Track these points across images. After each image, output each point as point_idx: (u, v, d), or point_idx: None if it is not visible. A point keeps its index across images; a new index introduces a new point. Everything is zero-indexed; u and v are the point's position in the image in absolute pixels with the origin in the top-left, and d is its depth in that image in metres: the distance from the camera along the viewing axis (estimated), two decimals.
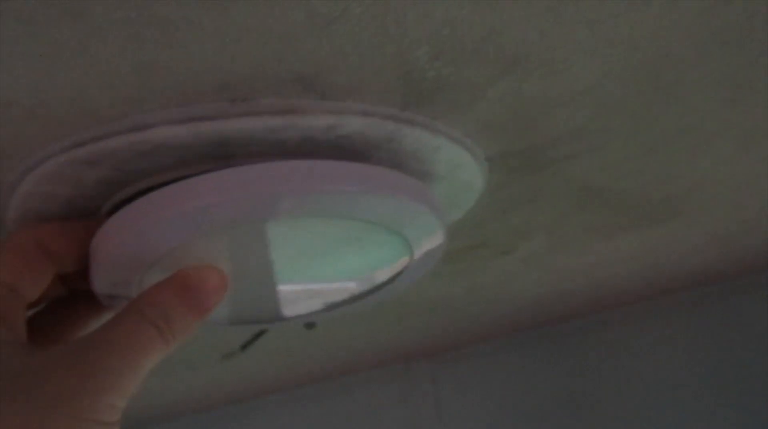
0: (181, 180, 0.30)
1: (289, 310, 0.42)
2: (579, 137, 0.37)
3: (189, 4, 0.23)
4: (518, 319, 0.84)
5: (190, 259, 0.32)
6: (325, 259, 0.38)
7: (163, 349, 0.30)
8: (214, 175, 0.29)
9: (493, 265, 0.58)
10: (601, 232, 0.54)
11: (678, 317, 0.81)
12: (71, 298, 0.36)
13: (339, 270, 0.39)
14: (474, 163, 0.37)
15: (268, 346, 0.81)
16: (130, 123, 0.29)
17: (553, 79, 0.31)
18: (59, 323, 0.36)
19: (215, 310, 0.33)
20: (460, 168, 0.37)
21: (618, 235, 0.55)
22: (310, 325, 0.44)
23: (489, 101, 0.32)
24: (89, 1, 0.22)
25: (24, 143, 0.30)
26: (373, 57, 0.27)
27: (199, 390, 0.99)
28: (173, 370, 0.81)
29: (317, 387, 1.08)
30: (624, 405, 0.83)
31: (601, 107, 0.34)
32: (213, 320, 0.41)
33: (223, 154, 0.32)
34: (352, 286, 0.41)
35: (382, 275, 0.40)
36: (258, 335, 0.50)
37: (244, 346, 0.53)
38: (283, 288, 0.39)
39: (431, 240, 0.37)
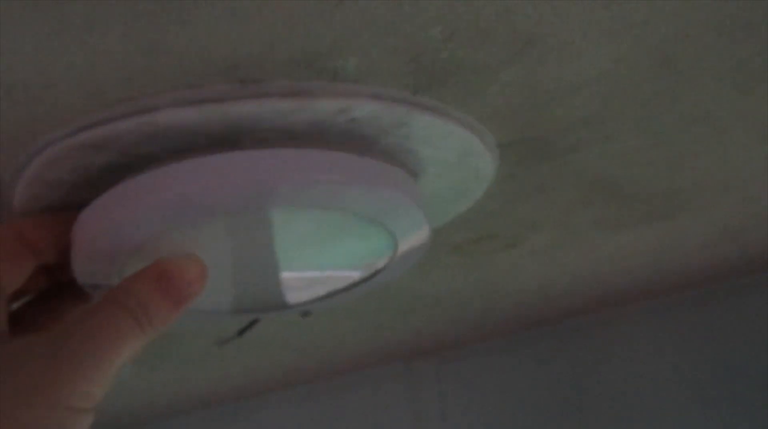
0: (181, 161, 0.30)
1: (285, 297, 0.42)
2: (591, 125, 0.36)
3: None
4: (523, 316, 0.84)
5: (171, 248, 0.32)
6: (316, 248, 0.38)
7: (141, 338, 0.30)
8: (193, 162, 0.29)
9: (500, 257, 0.57)
10: (609, 226, 0.53)
11: (686, 314, 0.80)
12: (56, 289, 0.36)
13: (330, 258, 0.39)
14: (484, 150, 0.36)
15: (270, 342, 0.81)
16: (137, 105, 0.29)
17: (568, 63, 0.30)
18: (45, 315, 0.36)
19: (207, 301, 0.32)
20: (470, 155, 0.36)
21: (626, 230, 0.54)
22: (305, 314, 0.44)
23: (501, 85, 0.31)
24: None
25: (30, 127, 0.29)
26: (386, 37, 0.27)
27: (200, 387, 0.98)
28: (173, 366, 0.80)
29: (320, 384, 1.07)
30: (630, 403, 0.82)
31: (615, 94, 0.33)
32: (214, 310, 0.41)
33: (230, 139, 0.31)
34: (344, 275, 0.41)
35: (372, 265, 0.40)
36: (254, 321, 0.50)
37: (241, 332, 0.53)
38: (278, 275, 0.39)
39: (415, 232, 0.36)
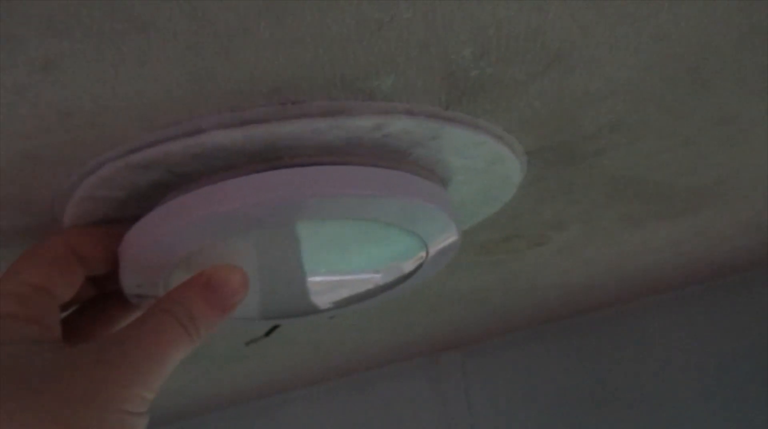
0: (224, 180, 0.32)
1: (315, 303, 0.43)
2: (617, 130, 0.37)
3: (247, 15, 0.24)
4: (548, 310, 0.85)
5: (213, 259, 0.34)
6: (347, 254, 0.40)
7: (188, 345, 0.32)
8: (232, 182, 0.31)
9: (527, 256, 0.59)
10: (633, 221, 0.54)
11: (708, 306, 0.81)
12: (103, 298, 0.38)
13: (361, 263, 0.41)
14: (513, 158, 0.38)
15: (298, 340, 0.82)
16: (184, 128, 0.30)
17: (594, 75, 0.31)
18: (92, 322, 0.38)
19: (238, 308, 0.34)
20: (499, 163, 0.38)
21: (650, 225, 0.55)
22: (331, 315, 0.46)
23: (530, 97, 0.32)
24: (154, 14, 0.23)
25: (82, 149, 0.31)
26: (420, 58, 0.28)
27: (229, 385, 1.01)
28: (203, 365, 0.82)
29: (348, 380, 1.09)
30: (653, 396, 0.83)
31: (640, 101, 0.34)
32: (244, 316, 0.42)
33: (271, 156, 0.33)
34: (373, 279, 0.42)
35: (401, 269, 0.41)
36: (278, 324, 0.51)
37: (268, 332, 0.55)
38: (308, 281, 0.41)
39: (445, 239, 0.38)
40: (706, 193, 0.50)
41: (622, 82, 0.32)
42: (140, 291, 0.36)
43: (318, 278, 0.41)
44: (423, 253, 0.39)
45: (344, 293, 0.43)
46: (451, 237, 0.38)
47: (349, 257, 0.40)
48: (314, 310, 0.44)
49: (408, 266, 0.41)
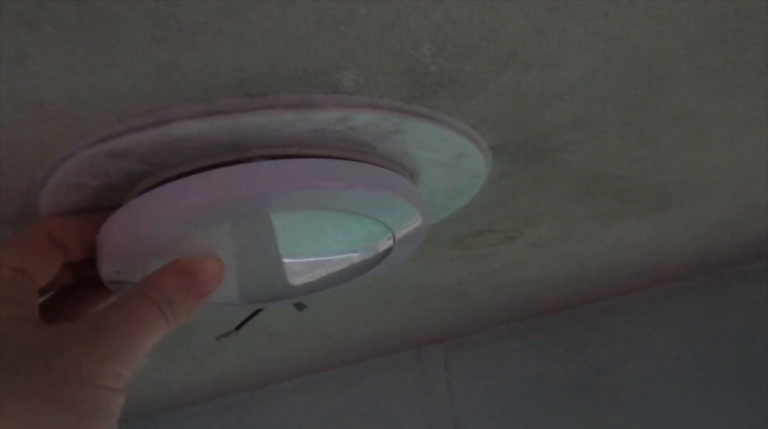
0: (200, 171, 0.33)
1: (292, 286, 0.44)
2: (578, 127, 0.38)
3: (210, 11, 0.25)
4: (528, 305, 0.86)
5: (189, 248, 0.35)
6: (318, 240, 0.41)
7: (164, 328, 0.33)
8: (207, 174, 0.32)
9: (501, 250, 0.60)
10: (605, 218, 0.55)
11: (684, 303, 0.82)
12: (81, 284, 0.39)
13: (332, 248, 0.42)
14: (478, 152, 0.39)
15: (281, 333, 0.83)
16: (153, 118, 0.31)
17: (550, 73, 0.32)
18: (71, 307, 0.39)
19: (220, 294, 0.35)
20: (464, 157, 0.39)
21: (621, 222, 0.57)
22: (300, 306, 0.47)
23: (490, 94, 0.34)
24: (120, 9, 0.24)
25: (56, 138, 0.32)
26: (380, 54, 0.29)
27: (214, 377, 1.02)
28: (189, 357, 0.83)
29: (331, 373, 1.10)
30: (630, 390, 0.85)
31: (597, 99, 0.36)
32: (226, 302, 0.44)
33: (239, 146, 0.34)
34: (345, 262, 0.43)
35: (370, 254, 0.42)
36: (252, 315, 0.53)
37: (239, 326, 0.56)
38: (284, 265, 0.42)
39: (411, 227, 0.39)
40: (672, 192, 0.51)
41: (579, 81, 0.34)
42: (118, 277, 0.37)
43: (293, 261, 0.42)
44: (390, 240, 0.40)
45: (318, 276, 0.44)
46: (415, 223, 0.39)
47: (321, 242, 0.41)
48: (292, 293, 0.45)
49: (376, 251, 0.42)
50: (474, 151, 0.38)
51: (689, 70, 0.34)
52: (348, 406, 1.09)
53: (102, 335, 0.31)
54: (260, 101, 0.31)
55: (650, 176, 0.48)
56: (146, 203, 0.34)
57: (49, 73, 0.27)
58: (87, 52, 0.26)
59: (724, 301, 0.79)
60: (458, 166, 0.40)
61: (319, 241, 0.41)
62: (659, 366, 0.83)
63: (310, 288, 0.45)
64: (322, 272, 0.44)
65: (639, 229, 0.59)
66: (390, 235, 0.40)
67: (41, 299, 0.37)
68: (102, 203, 0.38)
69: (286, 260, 0.42)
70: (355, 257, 0.42)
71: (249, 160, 0.34)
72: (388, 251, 0.41)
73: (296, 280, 0.44)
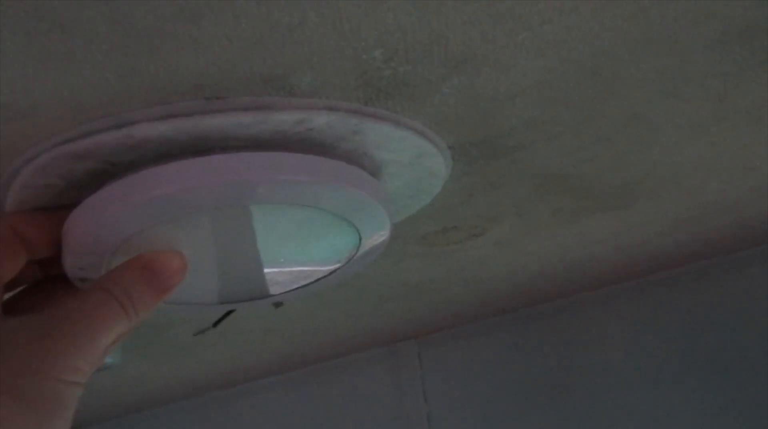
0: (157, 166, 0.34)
1: (267, 287, 0.45)
2: (532, 127, 0.40)
3: (164, 17, 0.26)
4: (499, 301, 0.87)
5: (154, 245, 0.36)
6: (289, 240, 0.42)
7: (125, 322, 0.34)
8: (171, 166, 0.33)
9: (466, 247, 0.61)
10: (567, 215, 0.57)
11: (651, 298, 0.84)
12: (49, 280, 0.39)
13: (297, 247, 0.43)
14: (436, 152, 0.40)
15: (254, 331, 0.84)
16: (114, 121, 0.32)
17: (501, 76, 0.34)
18: (38, 303, 0.39)
19: (184, 293, 0.36)
20: (423, 157, 0.40)
21: (584, 219, 0.58)
22: (277, 304, 0.48)
23: (444, 96, 0.35)
24: (75, 15, 0.25)
25: (19, 140, 0.33)
26: (333, 59, 0.30)
27: (189, 375, 1.02)
28: (163, 354, 0.84)
29: (305, 371, 1.11)
30: (601, 385, 0.86)
31: (549, 100, 0.37)
32: (200, 301, 0.44)
33: (201, 148, 0.35)
34: (315, 264, 0.44)
35: (337, 255, 0.43)
36: (228, 312, 0.53)
37: (216, 323, 0.57)
38: (260, 267, 0.43)
39: (377, 224, 0.40)
40: (631, 190, 0.53)
41: (529, 83, 0.35)
42: (83, 274, 0.38)
43: (266, 265, 0.43)
44: (357, 241, 0.41)
45: (289, 276, 0.45)
46: (382, 223, 0.40)
47: (292, 244, 0.42)
48: (265, 295, 0.46)
49: (346, 253, 0.43)
50: (433, 151, 0.40)
51: (635, 73, 0.36)
52: (323, 402, 1.10)
53: (60, 328, 0.32)
54: (218, 104, 0.32)
55: (607, 175, 0.49)
56: (106, 197, 0.34)
57: (8, 78, 0.28)
58: (46, 58, 0.27)
59: (690, 295, 0.81)
60: (419, 166, 0.41)
61: (291, 245, 0.42)
62: (628, 360, 0.85)
63: (281, 288, 0.46)
64: (292, 272, 0.45)
65: (600, 226, 0.61)
66: (354, 230, 0.41)
67: (10, 294, 0.37)
68: (67, 202, 0.38)
69: (261, 265, 0.42)
70: (323, 256, 0.43)
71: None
72: (355, 254, 0.42)
73: (271, 285, 0.45)
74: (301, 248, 0.43)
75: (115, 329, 0.33)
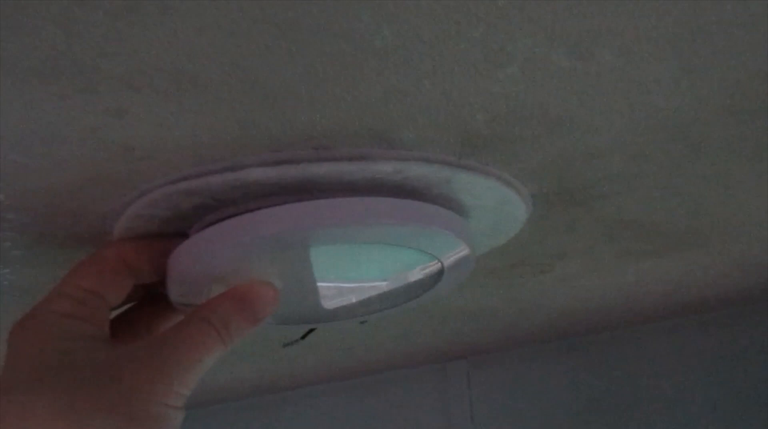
0: (263, 209, 0.36)
1: (331, 315, 0.47)
2: (615, 181, 0.41)
3: (292, 80, 0.28)
4: (552, 328, 0.88)
5: (249, 275, 0.38)
6: (366, 269, 0.44)
7: (221, 350, 0.36)
8: (268, 211, 0.35)
9: (531, 281, 0.62)
10: (631, 257, 0.58)
11: (707, 334, 0.84)
12: (150, 300, 0.42)
13: (377, 277, 0.45)
14: (519, 200, 0.41)
15: (309, 341, 0.86)
16: (227, 164, 0.34)
17: (592, 136, 0.35)
18: (139, 321, 0.42)
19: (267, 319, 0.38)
20: (507, 203, 0.42)
21: (647, 260, 0.59)
22: (363, 322, 0.50)
23: (535, 152, 0.36)
24: (212, 77, 0.27)
25: (137, 176, 0.35)
26: (438, 119, 0.32)
27: (249, 379, 1.05)
28: (229, 362, 0.87)
29: (353, 382, 1.13)
30: (649, 416, 0.87)
31: (635, 158, 0.38)
32: (283, 321, 0.47)
33: (301, 190, 0.37)
34: (389, 294, 0.46)
35: (416, 285, 0.45)
36: (312, 329, 0.56)
37: (305, 336, 0.60)
38: (325, 295, 0.45)
39: (460, 259, 0.41)
40: (700, 235, 0.53)
41: (619, 143, 0.36)
42: (184, 300, 0.40)
43: (329, 287, 0.45)
44: (439, 269, 0.43)
45: (364, 308, 0.47)
46: (463, 254, 0.41)
47: (371, 273, 0.44)
48: (326, 318, 0.48)
49: (423, 280, 0.45)
50: (516, 198, 0.41)
51: (722, 137, 0.37)
52: (369, 415, 1.11)
53: (165, 355, 0.34)
54: (325, 153, 0.34)
55: (680, 221, 0.50)
56: (211, 234, 0.37)
57: (142, 126, 0.30)
58: (178, 111, 0.29)
59: (746, 333, 0.81)
60: (500, 211, 0.43)
61: (367, 273, 0.44)
62: (679, 394, 0.85)
63: (359, 312, 0.48)
64: (376, 298, 0.47)
65: (663, 267, 0.61)
66: (439, 265, 0.42)
67: (114, 314, 0.40)
68: (168, 230, 0.41)
69: (325, 290, 0.44)
70: (403, 285, 0.45)
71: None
72: (435, 281, 0.44)
73: (330, 305, 0.47)
74: (382, 279, 0.45)
75: (213, 356, 0.36)
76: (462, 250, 0.41)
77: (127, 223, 0.40)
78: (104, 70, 0.26)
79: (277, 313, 0.46)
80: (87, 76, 0.26)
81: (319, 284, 0.44)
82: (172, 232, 0.41)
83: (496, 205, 0.42)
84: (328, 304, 0.47)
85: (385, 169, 0.35)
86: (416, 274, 0.45)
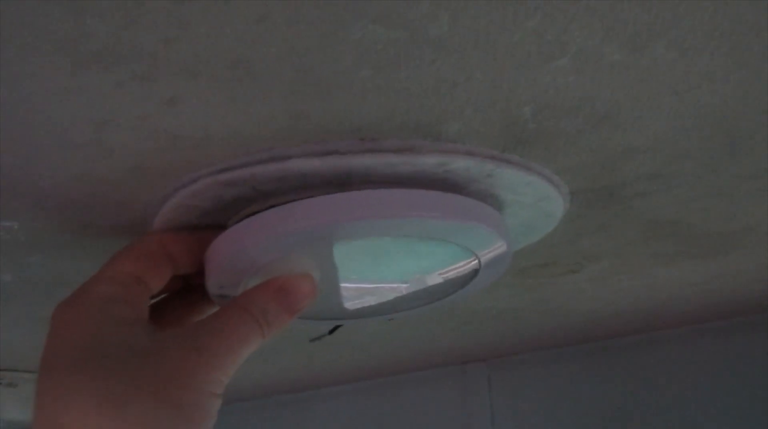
0: (303, 199, 0.36)
1: (356, 313, 0.47)
2: (654, 179, 0.41)
3: (346, 68, 0.28)
4: (577, 332, 0.88)
5: (287, 267, 0.38)
6: (399, 266, 0.44)
7: (260, 340, 0.37)
8: (306, 202, 0.35)
9: (560, 281, 0.62)
10: (665, 259, 0.57)
11: (734, 340, 0.83)
12: (187, 290, 0.42)
13: (407, 274, 0.45)
14: (558, 196, 0.41)
15: (336, 341, 0.86)
16: (273, 154, 0.34)
17: (637, 133, 0.35)
18: (176, 309, 0.42)
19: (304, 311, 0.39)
20: (545, 199, 0.42)
21: (680, 263, 0.58)
22: (390, 318, 0.50)
23: (579, 147, 0.36)
24: (268, 66, 0.28)
25: (182, 166, 0.36)
26: (485, 111, 0.32)
27: (260, 376, 1.05)
28: (254, 358, 0.87)
29: (374, 382, 1.13)
30: (671, 422, 0.86)
31: (677, 156, 0.38)
32: (317, 316, 0.47)
33: (343, 181, 0.37)
34: (420, 292, 0.46)
35: (449, 283, 0.45)
36: (339, 324, 0.56)
37: (332, 331, 0.60)
38: (351, 290, 0.45)
39: (497, 256, 0.41)
40: (737, 238, 0.53)
41: (663, 140, 0.36)
42: (222, 291, 0.40)
43: (354, 285, 0.45)
44: (475, 266, 0.43)
45: (391, 303, 0.47)
46: (501, 250, 0.41)
47: (404, 269, 0.44)
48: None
49: (456, 278, 0.45)
50: (555, 195, 0.41)
51: (765, 138, 0.37)
52: (390, 414, 1.11)
53: (205, 343, 0.34)
54: (371, 145, 0.34)
55: (717, 224, 0.50)
56: (250, 226, 0.37)
57: (193, 115, 0.31)
58: (230, 100, 0.30)
59: None
60: (537, 207, 0.43)
61: (404, 268, 0.44)
62: (702, 400, 0.84)
63: (394, 308, 0.48)
64: (410, 294, 0.47)
65: (695, 270, 0.61)
66: (475, 261, 0.42)
67: (152, 301, 0.40)
68: (207, 221, 0.41)
69: (349, 289, 0.44)
70: (436, 284, 0.45)
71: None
72: (471, 277, 0.44)
73: (357, 307, 0.47)
74: (421, 273, 0.45)
75: (252, 346, 0.36)
76: (500, 247, 0.41)
77: (168, 214, 0.40)
78: (164, 57, 0.26)
79: (323, 307, 0.46)
80: (146, 62, 0.27)
81: (348, 284, 0.44)
82: (211, 223, 0.41)
83: (534, 201, 0.42)
84: (356, 302, 0.47)
85: (429, 161, 0.35)
86: (450, 272, 0.45)
